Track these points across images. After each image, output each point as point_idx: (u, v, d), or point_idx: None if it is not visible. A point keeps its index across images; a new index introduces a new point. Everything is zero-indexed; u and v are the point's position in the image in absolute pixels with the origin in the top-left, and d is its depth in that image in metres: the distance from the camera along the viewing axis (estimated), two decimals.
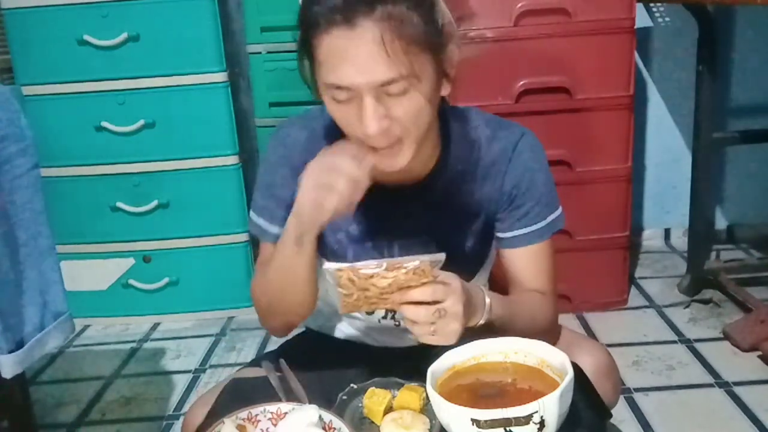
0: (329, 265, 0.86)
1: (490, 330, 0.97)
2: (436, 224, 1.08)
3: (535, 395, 0.76)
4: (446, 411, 0.76)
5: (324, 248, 1.13)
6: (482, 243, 1.13)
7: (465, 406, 0.75)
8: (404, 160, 0.94)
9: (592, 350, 1.09)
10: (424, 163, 1.05)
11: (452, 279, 0.89)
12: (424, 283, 0.86)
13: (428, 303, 0.86)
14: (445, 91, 0.95)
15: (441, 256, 0.86)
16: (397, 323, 1.17)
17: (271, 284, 1.04)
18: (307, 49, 0.91)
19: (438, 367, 0.85)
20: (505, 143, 1.06)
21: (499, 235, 1.11)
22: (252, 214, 1.12)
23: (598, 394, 0.96)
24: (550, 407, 0.73)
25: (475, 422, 0.73)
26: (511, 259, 1.11)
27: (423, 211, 1.07)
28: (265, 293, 1.08)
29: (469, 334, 0.93)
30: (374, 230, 1.08)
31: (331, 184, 0.86)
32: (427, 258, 0.85)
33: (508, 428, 0.72)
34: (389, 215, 1.06)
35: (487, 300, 0.96)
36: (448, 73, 0.94)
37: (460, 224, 1.09)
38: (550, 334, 1.12)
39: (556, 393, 0.73)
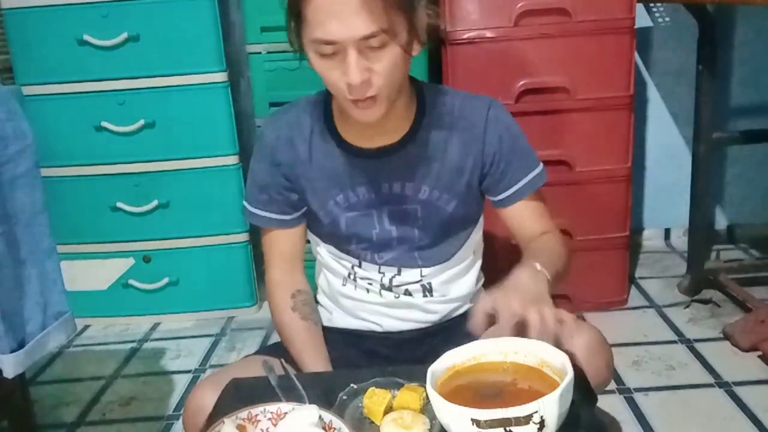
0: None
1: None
2: (419, 185, 1.15)
3: (535, 395, 0.76)
4: (446, 411, 0.76)
5: (318, 223, 1.22)
6: (467, 205, 1.19)
7: (465, 406, 0.75)
8: (379, 113, 1.05)
9: (583, 330, 1.11)
10: (400, 124, 1.14)
11: (509, 293, 0.94)
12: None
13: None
14: (416, 52, 1.04)
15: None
16: (396, 296, 1.22)
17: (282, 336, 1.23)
18: (294, 9, 1.00)
19: (438, 367, 0.85)
20: (479, 109, 1.16)
21: (494, 198, 1.20)
22: (246, 204, 1.24)
23: (589, 382, 0.96)
24: (550, 407, 0.73)
25: (475, 422, 0.73)
26: (510, 216, 1.21)
27: (404, 172, 1.15)
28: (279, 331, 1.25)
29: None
30: (360, 195, 1.16)
31: None
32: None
33: (508, 428, 0.72)
34: (372, 179, 1.15)
35: (538, 266, 1.03)
36: (418, 35, 1.03)
37: (442, 185, 1.16)
38: (570, 261, 1.20)
39: (556, 393, 0.73)
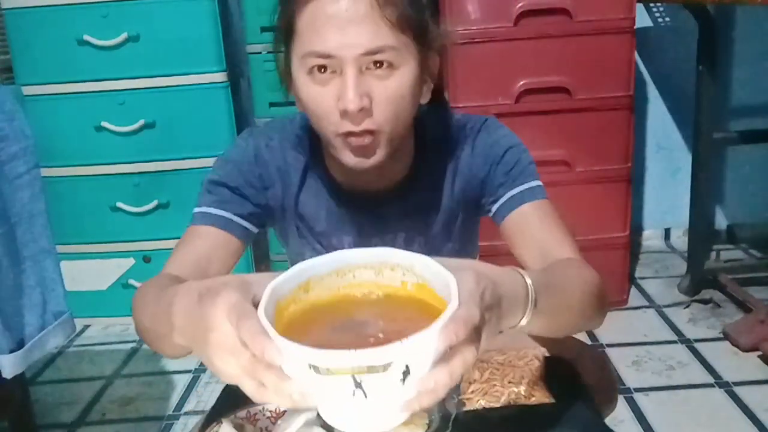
0: None
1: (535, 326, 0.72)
2: (415, 231, 1.02)
3: (407, 332, 0.52)
4: (281, 349, 0.53)
5: (302, 257, 1.00)
6: (462, 243, 1.06)
7: (312, 340, 0.53)
8: (379, 157, 0.86)
9: (594, 367, 1.07)
10: (400, 170, 0.97)
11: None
12: None
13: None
14: (424, 98, 0.90)
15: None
16: None
17: (148, 332, 0.81)
18: (284, 24, 0.84)
19: (283, 283, 0.60)
20: (470, 135, 0.99)
21: (493, 208, 0.98)
22: (196, 210, 0.95)
23: (592, 400, 0.95)
24: (418, 352, 0.53)
25: (314, 368, 0.52)
26: (515, 226, 0.95)
27: (401, 219, 1.00)
28: (145, 330, 0.83)
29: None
30: (346, 245, 1.02)
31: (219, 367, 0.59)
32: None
33: (357, 377, 0.52)
34: (361, 229, 1.01)
35: (528, 280, 0.69)
36: (430, 76, 0.89)
37: (440, 228, 1.03)
38: (604, 309, 0.89)
39: (427, 332, 0.52)
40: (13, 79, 2.29)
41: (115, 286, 2.42)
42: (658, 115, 2.73)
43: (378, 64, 0.81)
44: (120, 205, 2.34)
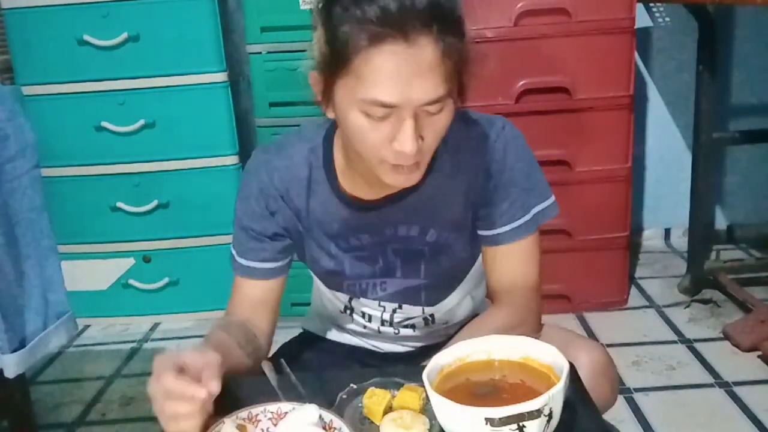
0: None
1: None
2: (426, 228, 1.06)
3: (528, 389, 0.78)
4: (458, 413, 0.75)
5: (316, 265, 1.12)
6: (472, 244, 1.09)
7: (468, 404, 0.75)
8: (418, 178, 0.93)
9: (589, 349, 1.07)
10: None
11: None
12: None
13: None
14: (456, 105, 0.93)
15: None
16: (396, 331, 1.17)
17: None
18: (341, 58, 0.84)
19: (430, 372, 0.83)
20: (485, 137, 1.03)
21: (483, 232, 1.07)
22: (234, 253, 1.10)
23: (591, 398, 0.95)
24: (557, 398, 0.74)
25: (489, 421, 0.72)
26: (494, 257, 1.07)
27: (409, 217, 1.05)
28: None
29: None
30: (363, 240, 1.06)
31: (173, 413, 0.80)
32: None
33: (521, 423, 0.72)
34: (375, 226, 1.05)
35: None
36: (465, 97, 0.93)
37: (451, 227, 1.06)
38: (538, 329, 1.11)
39: (561, 384, 0.74)
40: (13, 79, 2.29)
41: (115, 286, 2.42)
42: (658, 114, 2.73)
43: (432, 110, 0.86)
44: (120, 205, 2.34)
